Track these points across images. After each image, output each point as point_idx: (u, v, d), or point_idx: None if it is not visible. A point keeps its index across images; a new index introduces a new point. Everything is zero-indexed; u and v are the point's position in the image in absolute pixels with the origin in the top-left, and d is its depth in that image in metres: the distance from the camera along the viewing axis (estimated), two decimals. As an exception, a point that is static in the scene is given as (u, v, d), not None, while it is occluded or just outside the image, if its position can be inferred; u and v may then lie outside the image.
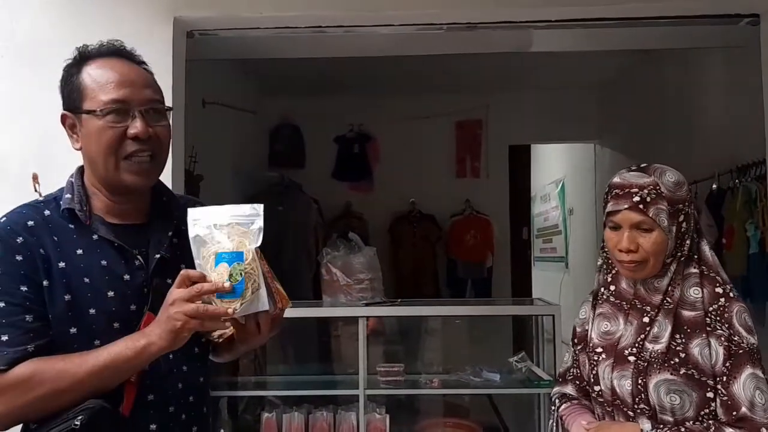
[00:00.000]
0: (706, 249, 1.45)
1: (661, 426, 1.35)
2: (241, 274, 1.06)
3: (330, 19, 2.40)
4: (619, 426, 1.40)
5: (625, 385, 1.39)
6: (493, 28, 2.51)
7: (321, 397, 3.06)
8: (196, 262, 1.10)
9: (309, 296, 3.92)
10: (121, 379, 1.11)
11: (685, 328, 1.38)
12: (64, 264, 1.14)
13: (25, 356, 1.08)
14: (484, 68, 4.60)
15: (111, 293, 1.16)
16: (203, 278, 1.07)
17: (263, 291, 1.08)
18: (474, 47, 2.87)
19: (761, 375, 1.33)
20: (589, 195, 5.37)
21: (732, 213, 3.04)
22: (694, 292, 1.40)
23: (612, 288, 1.50)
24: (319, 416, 2.96)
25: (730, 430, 1.31)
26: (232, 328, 1.20)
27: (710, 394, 1.34)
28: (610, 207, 1.43)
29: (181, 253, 1.23)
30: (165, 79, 2.25)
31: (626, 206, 1.39)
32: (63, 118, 1.23)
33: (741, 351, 1.33)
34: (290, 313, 1.30)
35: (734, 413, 1.31)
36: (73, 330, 1.12)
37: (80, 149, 1.23)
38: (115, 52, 1.23)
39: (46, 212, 1.19)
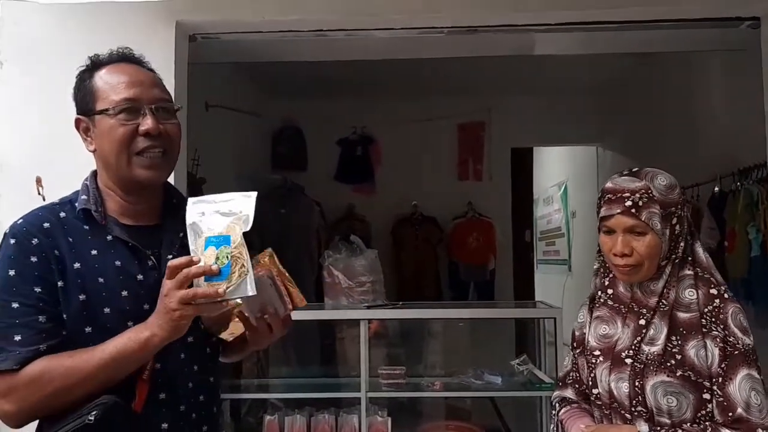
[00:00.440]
0: (699, 251, 1.46)
1: (659, 428, 1.35)
2: (227, 257, 1.09)
3: (332, 22, 2.41)
4: (617, 429, 1.41)
5: (622, 388, 1.40)
6: (495, 32, 2.51)
7: (323, 399, 3.07)
8: (191, 248, 1.13)
9: (311, 299, 3.93)
10: (127, 372, 1.13)
11: (681, 329, 1.38)
12: (79, 264, 1.17)
13: (36, 355, 1.11)
14: (486, 71, 4.61)
15: (125, 293, 1.19)
16: (189, 263, 1.09)
17: (251, 277, 1.09)
18: (476, 50, 2.87)
19: (757, 376, 1.33)
20: (591, 198, 5.33)
21: (734, 216, 3.04)
22: (689, 294, 1.40)
23: (609, 291, 1.51)
24: (321, 419, 2.96)
25: (727, 431, 1.31)
26: (242, 327, 1.22)
27: (707, 396, 1.35)
28: (603, 212, 1.44)
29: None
30: (168, 83, 2.23)
31: (619, 211, 1.40)
32: (77, 122, 1.27)
33: (736, 352, 1.34)
34: (292, 315, 1.31)
35: (730, 414, 1.32)
36: (88, 329, 1.15)
37: (94, 151, 1.26)
38: (124, 57, 1.28)
39: (62, 214, 1.22)
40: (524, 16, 2.40)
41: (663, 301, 1.41)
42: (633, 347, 1.40)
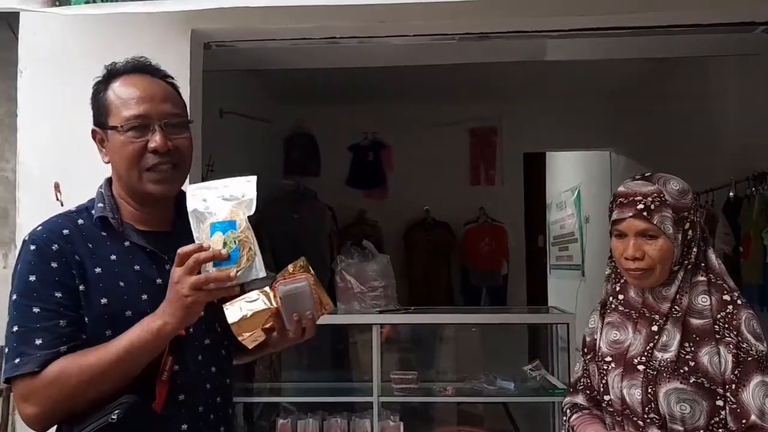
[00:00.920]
0: (712, 257, 1.45)
1: (672, 435, 1.35)
2: (234, 241, 1.10)
3: (344, 30, 2.43)
4: (629, 435, 1.40)
5: (634, 395, 1.39)
6: (507, 38, 2.52)
7: (335, 403, 3.08)
8: (195, 235, 1.15)
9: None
10: (142, 364, 1.15)
11: (694, 336, 1.38)
12: (100, 269, 1.20)
13: (56, 358, 1.13)
14: (499, 76, 4.61)
15: (144, 296, 1.21)
16: (199, 249, 1.11)
17: (259, 259, 1.10)
18: (488, 56, 2.88)
19: None
20: (604, 203, 5.25)
21: (748, 221, 3.02)
22: (702, 300, 1.40)
23: (620, 297, 1.51)
24: (334, 423, 2.98)
25: (740, 438, 1.30)
26: (263, 334, 1.23)
27: (720, 403, 1.34)
28: (615, 215, 1.44)
29: None
30: (183, 90, 2.25)
31: (631, 214, 1.40)
32: (93, 134, 1.30)
33: (750, 358, 1.33)
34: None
35: (744, 421, 1.31)
36: (108, 332, 1.17)
37: (109, 162, 1.29)
38: (139, 68, 1.28)
39: (80, 221, 1.25)
40: (536, 22, 2.41)
41: (676, 307, 1.40)
42: (645, 354, 1.40)
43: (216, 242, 1.11)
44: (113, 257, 1.22)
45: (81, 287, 1.17)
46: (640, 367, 1.39)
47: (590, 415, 1.53)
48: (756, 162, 3.09)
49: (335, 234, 5.00)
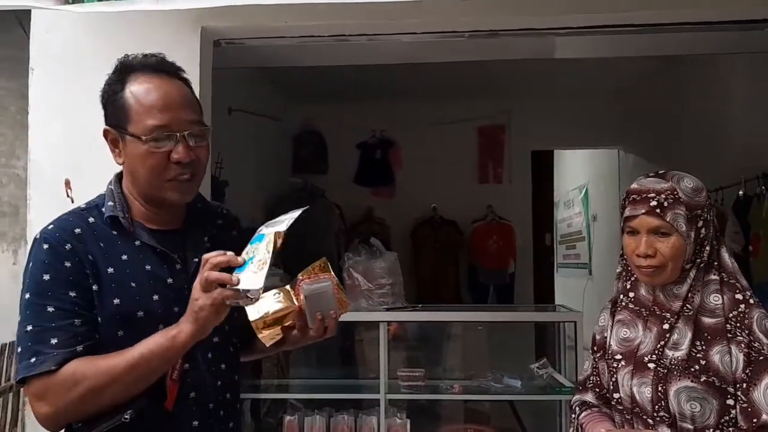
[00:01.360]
0: (725, 256, 1.44)
1: (681, 434, 1.34)
2: (254, 251, 1.13)
3: (353, 27, 2.43)
4: (639, 434, 1.40)
5: (644, 393, 1.39)
6: (515, 36, 2.51)
7: (342, 400, 3.09)
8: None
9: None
10: (157, 373, 1.15)
11: (706, 335, 1.37)
12: (112, 269, 1.20)
13: (73, 357, 1.13)
14: (507, 74, 4.60)
15: (156, 296, 1.21)
16: (221, 255, 1.12)
17: (264, 272, 1.11)
18: (496, 54, 2.87)
19: None
20: (612, 201, 5.32)
21: (758, 220, 3.00)
22: (714, 299, 1.39)
23: (631, 295, 1.50)
24: (341, 420, 2.99)
25: (751, 437, 1.30)
26: (281, 332, 1.25)
27: (730, 402, 1.33)
28: (627, 212, 1.44)
29: None
30: (193, 88, 2.31)
31: (643, 211, 1.39)
32: (105, 133, 1.27)
33: (761, 358, 1.32)
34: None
35: (755, 420, 1.30)
36: (120, 332, 1.18)
37: (122, 164, 1.27)
38: (156, 67, 1.25)
39: (90, 219, 1.24)
40: (545, 20, 2.40)
41: (687, 305, 1.40)
42: (656, 352, 1.39)
43: (247, 252, 1.14)
44: (124, 257, 1.22)
45: (94, 287, 1.18)
46: (651, 365, 1.39)
47: (599, 413, 1.53)
48: (766, 160, 3.08)
49: (343, 232, 5.02)
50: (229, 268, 1.11)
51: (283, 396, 3.30)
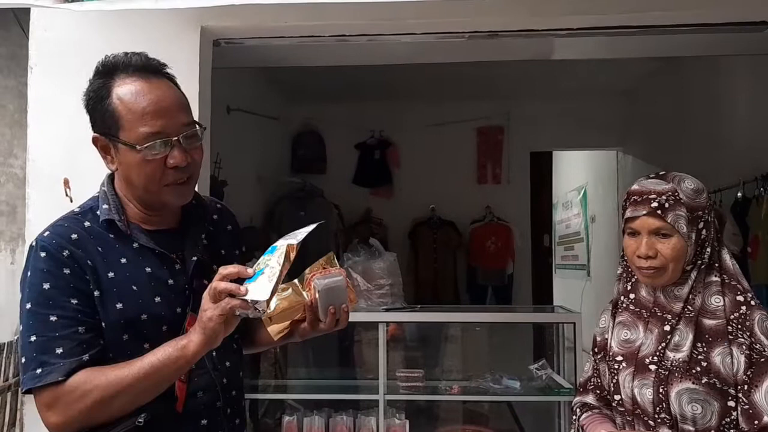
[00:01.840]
0: (726, 258, 1.44)
1: (682, 435, 1.34)
2: (265, 263, 1.12)
3: (353, 28, 2.43)
4: (640, 435, 1.40)
5: (646, 394, 1.39)
6: (515, 37, 2.51)
7: (341, 401, 3.09)
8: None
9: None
10: (168, 382, 1.14)
11: (707, 336, 1.37)
12: (113, 274, 1.18)
13: (81, 366, 1.12)
14: (506, 75, 4.61)
15: (158, 298, 1.20)
16: (231, 267, 1.11)
17: (270, 284, 1.10)
18: (496, 55, 2.87)
19: None
20: (611, 202, 5.33)
21: (756, 222, 3.00)
22: (716, 301, 1.39)
23: (632, 296, 1.50)
24: (339, 420, 2.98)
25: (752, 440, 1.29)
26: (288, 326, 1.26)
27: (732, 403, 1.33)
28: (628, 213, 1.43)
29: (212, 254, 1.30)
30: (191, 87, 2.30)
31: (644, 212, 1.39)
32: (95, 141, 1.23)
33: (762, 359, 1.32)
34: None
35: (756, 422, 1.30)
36: (125, 336, 1.16)
37: (116, 170, 1.24)
38: (142, 68, 1.21)
39: (86, 223, 1.22)
40: (544, 21, 2.40)
41: (688, 307, 1.40)
42: (657, 353, 1.39)
43: (257, 264, 1.13)
44: (123, 260, 1.20)
45: (96, 293, 1.16)
46: (652, 367, 1.39)
47: (600, 415, 1.53)
48: (765, 162, 3.08)
49: (341, 232, 5.02)
50: (241, 279, 1.11)
51: (281, 396, 3.29)
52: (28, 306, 1.14)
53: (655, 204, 1.38)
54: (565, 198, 6.92)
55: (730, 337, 1.35)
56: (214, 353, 1.24)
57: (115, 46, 1.31)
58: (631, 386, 1.41)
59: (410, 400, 3.09)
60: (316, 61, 2.95)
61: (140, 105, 1.17)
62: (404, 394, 3.02)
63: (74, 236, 1.18)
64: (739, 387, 1.33)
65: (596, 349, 1.56)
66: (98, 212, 1.22)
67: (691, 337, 1.37)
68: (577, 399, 1.61)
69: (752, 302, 1.38)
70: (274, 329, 1.24)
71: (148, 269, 1.21)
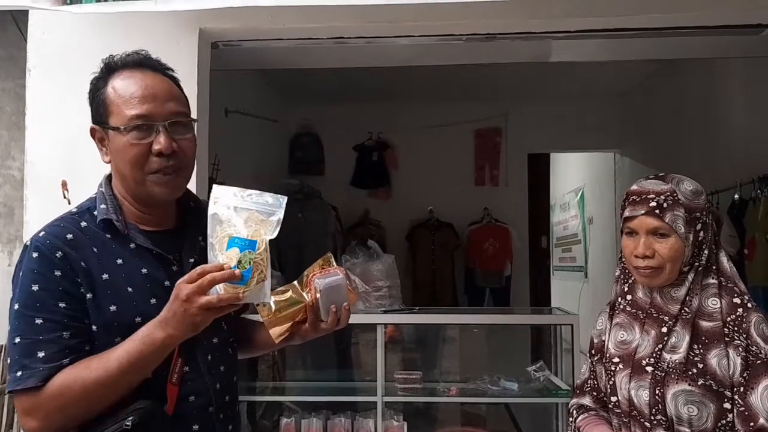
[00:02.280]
0: (724, 260, 1.45)
1: (679, 437, 1.34)
2: (250, 262, 1.08)
3: (351, 30, 2.44)
4: (636, 437, 1.40)
5: (642, 396, 1.39)
6: (512, 39, 2.52)
7: (339, 403, 3.08)
8: (209, 240, 1.11)
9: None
10: (145, 374, 1.13)
11: (703, 338, 1.37)
12: (107, 275, 1.16)
13: (59, 371, 1.10)
14: (504, 77, 4.62)
15: (153, 300, 1.18)
16: (218, 269, 1.07)
17: (268, 283, 1.09)
18: (493, 57, 2.88)
19: None
20: (608, 204, 5.34)
21: (753, 223, 3.01)
22: (713, 303, 1.39)
23: (629, 297, 1.51)
24: (337, 422, 2.98)
25: (748, 441, 1.30)
26: (289, 328, 1.25)
27: (728, 405, 1.33)
28: (627, 213, 1.44)
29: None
30: (190, 89, 2.28)
31: (643, 212, 1.40)
32: (92, 132, 1.25)
33: (759, 361, 1.33)
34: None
35: (752, 424, 1.31)
36: (118, 339, 1.14)
37: (109, 162, 1.24)
38: (139, 62, 1.23)
39: (83, 224, 1.21)
40: (542, 24, 2.41)
41: (685, 308, 1.40)
42: (654, 355, 1.39)
43: (230, 257, 1.08)
44: (119, 261, 1.19)
45: (88, 295, 1.14)
46: (648, 369, 1.39)
47: (597, 417, 1.53)
48: (761, 164, 3.09)
49: (339, 234, 5.01)
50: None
51: (279, 398, 3.29)
52: (16, 307, 1.14)
53: (653, 204, 1.39)
54: (563, 200, 6.93)
55: (727, 339, 1.36)
56: (209, 356, 1.23)
57: (114, 49, 1.31)
58: (628, 388, 1.41)
59: (408, 402, 3.09)
60: (314, 63, 2.96)
61: (129, 90, 1.19)
62: (402, 395, 3.02)
63: (70, 236, 1.17)
64: (735, 389, 1.33)
65: (593, 351, 1.56)
66: (95, 212, 1.21)
67: (687, 338, 1.37)
68: (574, 401, 1.61)
69: (749, 305, 1.39)
70: (276, 331, 1.23)
71: (144, 270, 1.20)
